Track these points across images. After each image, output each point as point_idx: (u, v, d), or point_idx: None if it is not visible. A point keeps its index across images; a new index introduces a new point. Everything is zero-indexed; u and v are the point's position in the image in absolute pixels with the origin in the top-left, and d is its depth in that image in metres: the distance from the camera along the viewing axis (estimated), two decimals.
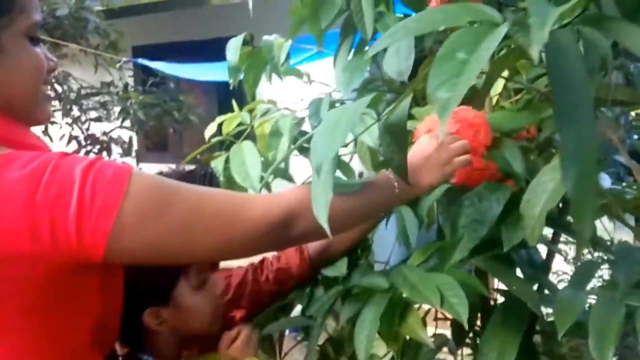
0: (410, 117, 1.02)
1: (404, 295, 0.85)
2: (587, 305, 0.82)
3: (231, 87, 1.29)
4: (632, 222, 1.10)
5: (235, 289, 1.15)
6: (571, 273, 2.19)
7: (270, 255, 1.20)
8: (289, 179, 1.31)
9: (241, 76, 1.39)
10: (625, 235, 1.30)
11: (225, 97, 4.35)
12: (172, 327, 0.93)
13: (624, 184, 1.33)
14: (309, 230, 0.81)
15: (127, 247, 0.69)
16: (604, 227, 1.17)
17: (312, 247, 1.15)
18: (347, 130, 0.62)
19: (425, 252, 0.94)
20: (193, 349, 0.98)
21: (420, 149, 0.89)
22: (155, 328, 0.92)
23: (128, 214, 0.68)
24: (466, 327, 0.79)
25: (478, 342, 1.07)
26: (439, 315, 1.16)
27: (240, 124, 1.32)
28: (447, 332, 1.13)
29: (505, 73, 1.08)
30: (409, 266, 0.90)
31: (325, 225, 0.63)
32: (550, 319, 1.02)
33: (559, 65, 0.47)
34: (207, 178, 1.03)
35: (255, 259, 1.16)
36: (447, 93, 0.46)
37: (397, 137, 0.76)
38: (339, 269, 1.10)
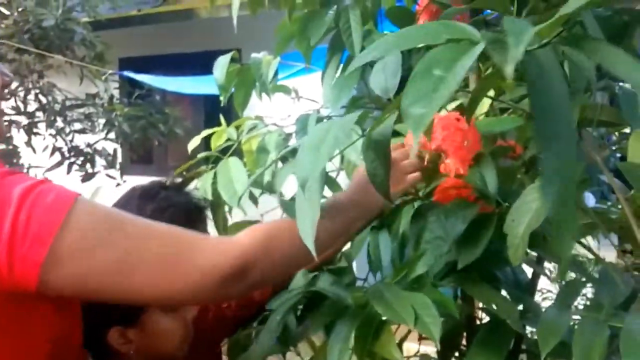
0: (396, 133, 1.03)
1: (380, 313, 0.85)
2: (571, 325, 0.82)
3: (222, 104, 1.29)
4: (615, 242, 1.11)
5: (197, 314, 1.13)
6: (555, 291, 2.20)
7: None
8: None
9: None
10: (608, 255, 1.31)
11: (212, 109, 4.35)
12: (137, 348, 0.90)
13: (609, 203, 1.34)
14: (266, 277, 0.76)
15: (61, 280, 0.64)
16: (589, 246, 1.18)
17: None
18: (333, 147, 0.61)
19: (402, 269, 0.94)
20: None
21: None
22: (119, 347, 0.89)
23: (64, 245, 0.63)
24: (438, 346, 0.79)
25: None
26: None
27: (227, 140, 1.32)
28: (432, 351, 1.13)
29: (492, 92, 1.09)
30: (386, 284, 0.90)
31: (311, 246, 0.62)
32: (535, 338, 1.03)
33: (539, 84, 0.47)
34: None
35: None
36: (422, 109, 0.46)
37: (380, 153, 0.76)
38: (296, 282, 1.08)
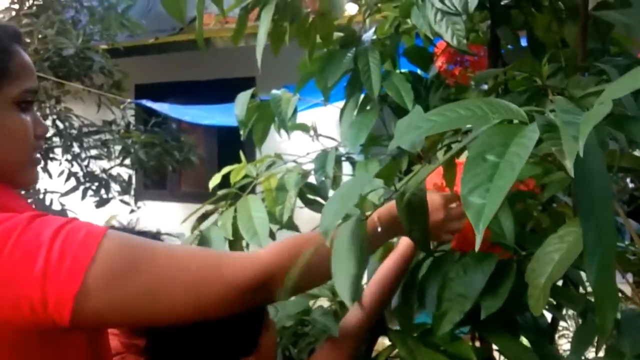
0: None
1: None
2: None
3: (242, 139, 1.32)
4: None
5: None
6: (571, 329, 2.18)
7: None
8: (295, 229, 1.32)
9: None
10: (624, 288, 1.30)
11: (226, 137, 4.39)
12: None
13: (627, 242, 1.33)
14: (285, 291, 0.77)
15: (94, 311, 0.66)
16: None
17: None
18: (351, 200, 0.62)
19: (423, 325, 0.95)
20: None
21: (435, 204, 0.90)
22: None
23: (95, 277, 0.65)
24: None
25: None
26: None
27: (245, 176, 1.34)
28: None
29: None
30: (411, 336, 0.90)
31: (347, 301, 0.63)
32: None
33: (581, 163, 0.48)
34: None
35: None
36: (480, 199, 0.46)
37: (416, 210, 0.76)
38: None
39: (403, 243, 1.02)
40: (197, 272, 0.73)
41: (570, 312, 2.15)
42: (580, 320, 2.14)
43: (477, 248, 0.46)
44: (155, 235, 0.99)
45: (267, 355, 0.92)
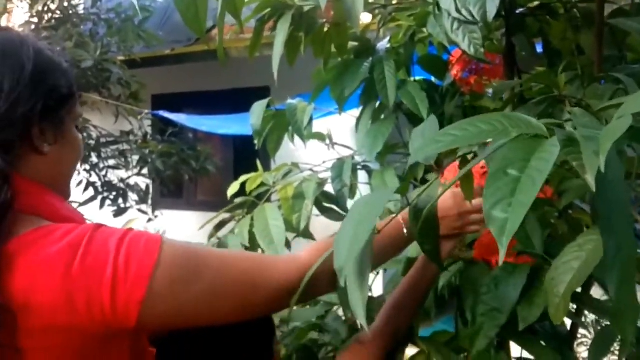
0: None
1: None
2: None
3: (257, 148, 1.34)
4: None
5: None
6: (590, 336, 2.15)
7: None
8: (311, 237, 1.33)
9: None
10: None
11: (242, 146, 4.41)
12: None
13: None
14: (329, 288, 0.85)
15: (159, 314, 0.72)
16: None
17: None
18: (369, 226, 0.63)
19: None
20: None
21: (447, 204, 0.90)
22: None
23: (159, 282, 0.71)
24: None
25: None
26: None
27: (261, 184, 1.35)
28: None
29: None
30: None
31: (364, 323, 0.64)
32: None
33: (601, 176, 0.48)
34: None
35: None
36: (503, 213, 0.47)
37: (427, 224, 0.77)
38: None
39: None
40: (246, 276, 0.79)
41: (590, 319, 2.13)
42: (599, 328, 2.12)
43: (500, 261, 0.47)
44: None
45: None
